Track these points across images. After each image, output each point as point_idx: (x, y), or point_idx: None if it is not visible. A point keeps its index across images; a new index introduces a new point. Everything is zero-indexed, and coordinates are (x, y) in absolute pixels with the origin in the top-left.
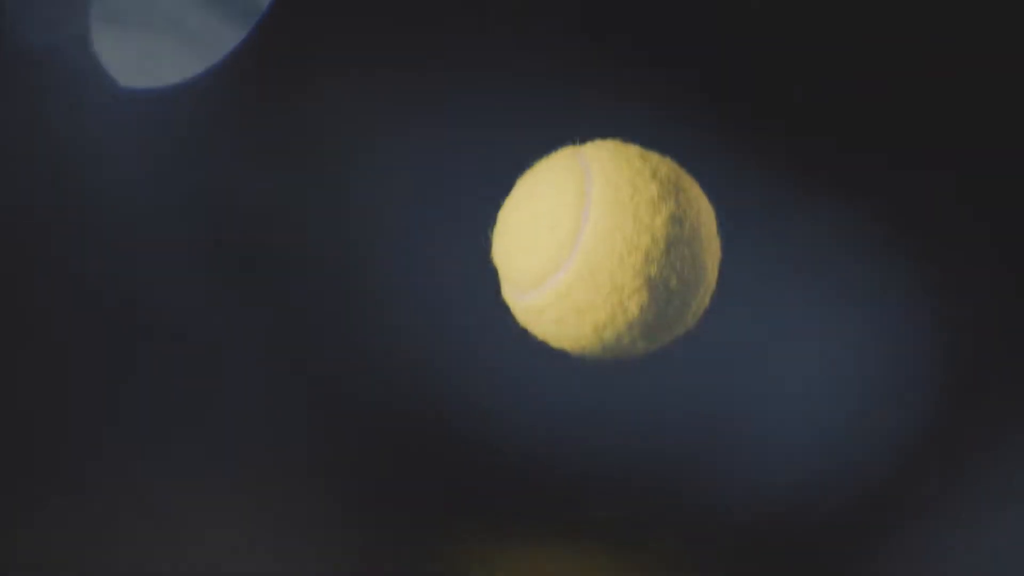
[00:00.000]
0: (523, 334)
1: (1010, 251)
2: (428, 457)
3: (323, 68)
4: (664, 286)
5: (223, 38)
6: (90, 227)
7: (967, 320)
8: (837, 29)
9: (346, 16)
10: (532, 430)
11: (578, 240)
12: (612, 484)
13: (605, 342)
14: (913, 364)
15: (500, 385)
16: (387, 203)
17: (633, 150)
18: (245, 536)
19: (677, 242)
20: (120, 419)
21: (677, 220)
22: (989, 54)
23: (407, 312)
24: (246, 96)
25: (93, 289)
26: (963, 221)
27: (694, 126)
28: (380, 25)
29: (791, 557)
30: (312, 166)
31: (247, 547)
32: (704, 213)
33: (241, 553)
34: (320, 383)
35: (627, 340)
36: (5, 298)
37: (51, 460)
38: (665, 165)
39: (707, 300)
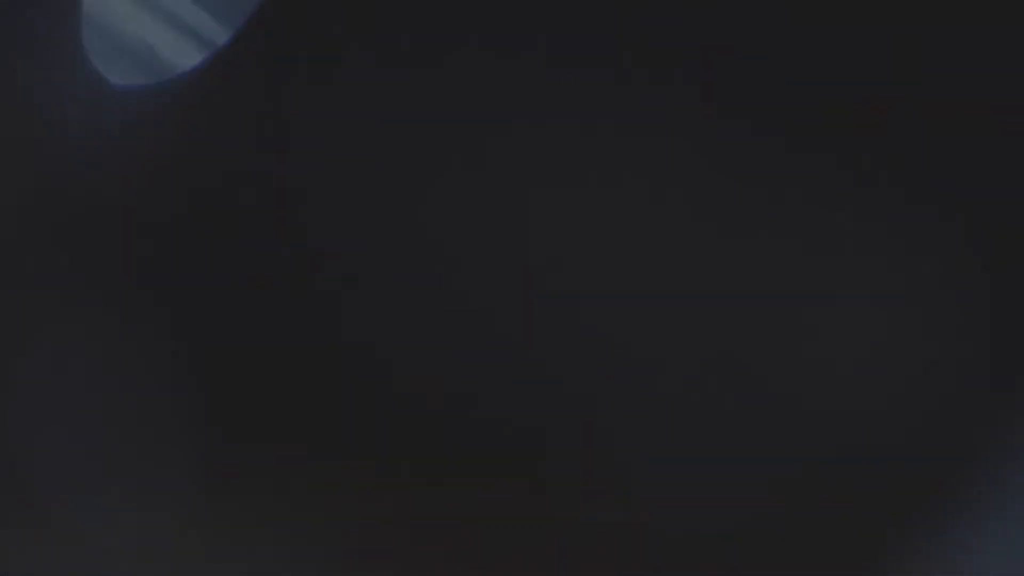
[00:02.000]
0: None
1: None
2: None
3: (317, 61)
4: None
5: (216, 32)
6: (79, 226)
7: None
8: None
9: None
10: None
11: None
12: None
13: None
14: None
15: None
16: (392, 197)
17: None
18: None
19: None
20: (120, 415)
21: None
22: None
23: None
24: (242, 89)
25: (82, 285)
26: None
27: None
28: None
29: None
30: (312, 160)
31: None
32: None
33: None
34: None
35: None
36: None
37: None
38: None
39: None
